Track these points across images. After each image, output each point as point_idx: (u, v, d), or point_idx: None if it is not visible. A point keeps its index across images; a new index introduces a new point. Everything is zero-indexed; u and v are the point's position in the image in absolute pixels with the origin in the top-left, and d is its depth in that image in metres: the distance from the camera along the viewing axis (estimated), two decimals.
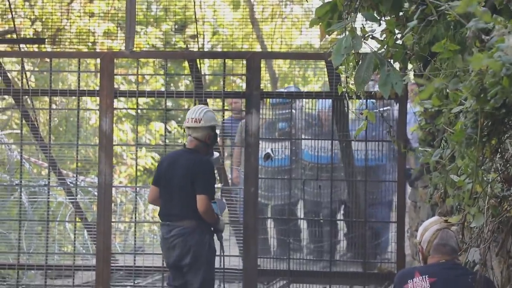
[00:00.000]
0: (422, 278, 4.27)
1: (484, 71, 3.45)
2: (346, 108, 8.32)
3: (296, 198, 9.25)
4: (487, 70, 3.42)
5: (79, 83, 8.50)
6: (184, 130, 7.00)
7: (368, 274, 8.24)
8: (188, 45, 10.10)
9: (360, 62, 5.12)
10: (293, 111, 8.42)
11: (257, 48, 10.43)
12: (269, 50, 9.67)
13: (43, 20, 10.48)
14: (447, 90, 4.17)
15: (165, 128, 9.20)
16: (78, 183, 9.23)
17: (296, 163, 9.23)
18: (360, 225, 8.37)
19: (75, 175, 9.19)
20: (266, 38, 10.05)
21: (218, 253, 6.89)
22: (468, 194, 3.97)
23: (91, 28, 11.13)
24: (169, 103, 11.99)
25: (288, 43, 9.76)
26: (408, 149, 7.52)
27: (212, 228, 6.73)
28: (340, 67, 5.82)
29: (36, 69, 12.61)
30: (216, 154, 7.04)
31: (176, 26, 10.61)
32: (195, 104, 8.36)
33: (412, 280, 4.28)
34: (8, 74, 8.88)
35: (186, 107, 12.75)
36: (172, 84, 14.53)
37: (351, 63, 5.62)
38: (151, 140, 14.06)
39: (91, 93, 8.81)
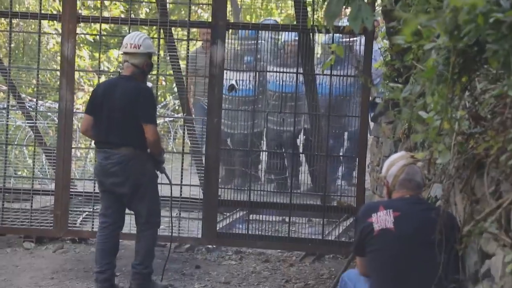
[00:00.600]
0: (386, 212, 4.32)
1: (459, 8, 3.44)
2: (312, 42, 8.30)
3: (259, 128, 9.27)
4: (462, 7, 3.42)
5: (40, 6, 8.34)
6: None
7: (327, 207, 8.34)
8: None
9: None
10: (261, 41, 8.37)
11: None
12: None
13: None
14: (419, 27, 4.16)
15: None
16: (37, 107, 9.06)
17: (262, 94, 9.23)
18: (321, 159, 8.42)
19: (33, 99, 9.05)
20: None
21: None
22: (436, 131, 4.00)
23: None
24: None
25: None
26: (373, 85, 7.53)
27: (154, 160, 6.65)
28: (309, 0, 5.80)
29: None
30: (149, 84, 6.95)
31: None
32: (159, 33, 8.27)
33: (376, 214, 4.34)
34: None
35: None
36: (132, 12, 14.27)
37: None
38: (109, 68, 13.90)
39: (53, 17, 8.62)
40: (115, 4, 14.30)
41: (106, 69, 13.43)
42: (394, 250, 4.28)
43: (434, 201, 4.85)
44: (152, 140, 6.45)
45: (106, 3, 13.28)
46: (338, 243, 8.11)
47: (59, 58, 13.53)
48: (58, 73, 8.27)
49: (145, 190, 6.58)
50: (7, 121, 8.40)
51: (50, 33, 11.47)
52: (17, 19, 9.91)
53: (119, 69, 13.00)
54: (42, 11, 8.35)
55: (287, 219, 8.31)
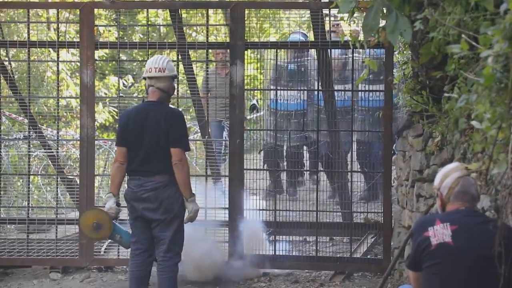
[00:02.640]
0: (443, 225, 4.22)
1: None
2: (329, 58, 8.26)
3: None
4: None
5: (58, 35, 8.29)
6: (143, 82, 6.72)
7: (354, 224, 8.23)
8: None
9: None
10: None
11: None
12: None
13: None
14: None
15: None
16: (53, 136, 8.98)
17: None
18: (344, 176, 8.35)
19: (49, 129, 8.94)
20: None
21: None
22: (493, 140, 3.92)
23: None
24: (124, 57, 11.78)
25: None
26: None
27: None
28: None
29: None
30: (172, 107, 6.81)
31: None
32: (178, 56, 8.20)
33: (433, 227, 4.24)
34: None
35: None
36: (126, 37, 14.16)
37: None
38: (107, 94, 13.76)
39: (71, 45, 8.54)
40: (110, 31, 14.18)
41: (103, 95, 13.31)
42: (453, 265, 4.18)
43: (482, 213, 4.75)
44: (177, 162, 6.27)
45: (101, 29, 13.20)
46: (367, 260, 8.02)
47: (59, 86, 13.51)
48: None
49: (174, 217, 6.38)
50: (29, 152, 8.29)
51: (70, 61, 11.30)
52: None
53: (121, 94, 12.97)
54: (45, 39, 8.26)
55: (309, 238, 8.17)
